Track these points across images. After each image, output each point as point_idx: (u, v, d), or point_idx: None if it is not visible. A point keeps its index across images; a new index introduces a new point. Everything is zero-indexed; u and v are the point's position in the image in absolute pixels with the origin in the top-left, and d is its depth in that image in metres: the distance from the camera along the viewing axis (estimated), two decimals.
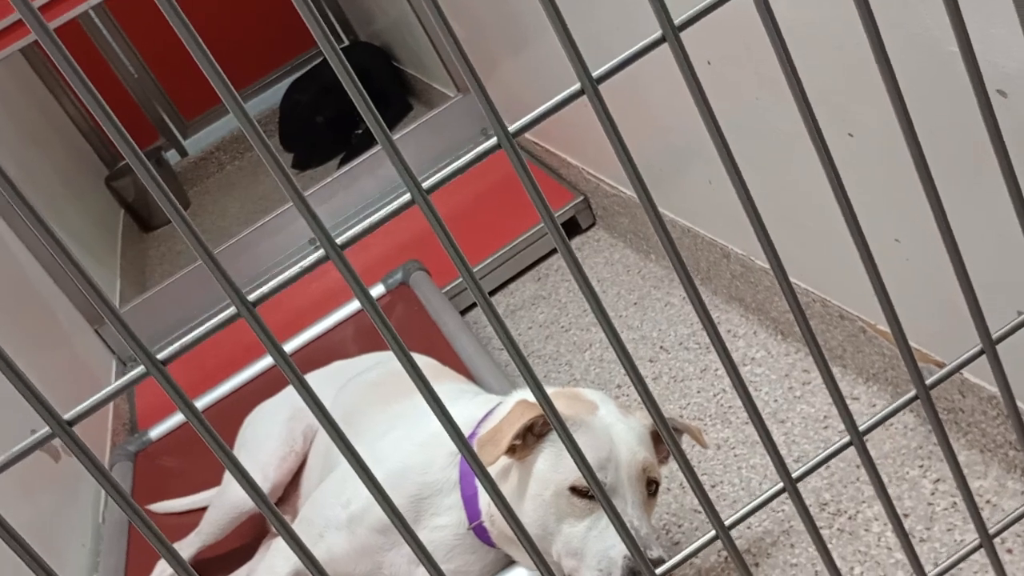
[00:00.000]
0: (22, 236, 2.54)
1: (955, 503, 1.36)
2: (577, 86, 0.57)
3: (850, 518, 1.42)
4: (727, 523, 0.70)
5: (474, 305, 2.43)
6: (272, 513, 0.61)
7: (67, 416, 0.56)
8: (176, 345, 0.56)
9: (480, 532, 1.28)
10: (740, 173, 0.63)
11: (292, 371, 0.57)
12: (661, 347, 1.97)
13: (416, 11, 2.79)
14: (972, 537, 1.32)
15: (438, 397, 0.62)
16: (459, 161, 0.57)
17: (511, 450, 1.17)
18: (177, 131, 4.50)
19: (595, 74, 0.57)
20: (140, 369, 0.56)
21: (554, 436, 1.18)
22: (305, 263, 0.56)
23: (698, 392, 1.81)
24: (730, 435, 1.68)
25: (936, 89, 1.05)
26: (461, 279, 2.37)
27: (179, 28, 0.50)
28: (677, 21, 0.57)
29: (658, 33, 0.57)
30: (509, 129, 0.57)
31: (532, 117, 0.58)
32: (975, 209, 1.12)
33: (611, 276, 2.26)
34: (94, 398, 0.56)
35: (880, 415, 0.71)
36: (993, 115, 0.69)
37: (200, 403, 2.25)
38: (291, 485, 1.70)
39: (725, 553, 1.47)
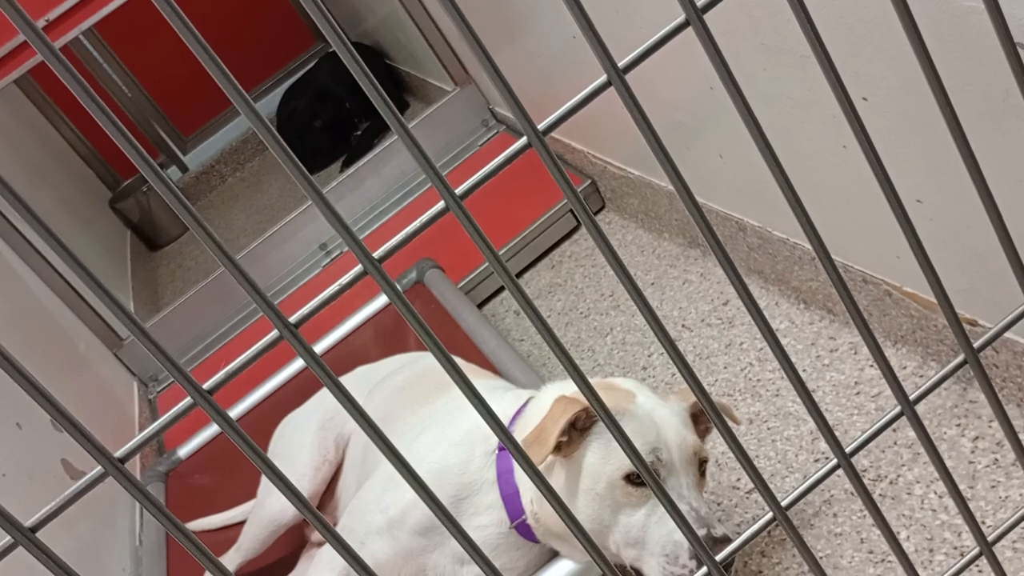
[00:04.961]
0: (37, 269, 2.54)
1: (996, 459, 1.35)
2: (604, 78, 0.56)
3: (891, 483, 1.42)
4: (784, 504, 0.69)
5: (488, 300, 2.43)
6: (316, 517, 0.61)
7: (118, 454, 0.55)
8: (222, 373, 0.55)
9: (523, 529, 1.27)
10: (773, 151, 0.62)
11: (340, 390, 0.56)
12: (683, 325, 1.96)
13: (408, 9, 2.77)
14: (1015, 492, 1.31)
15: (479, 393, 0.61)
16: (490, 164, 0.56)
17: (556, 447, 1.15)
18: (176, 147, 4.50)
19: (621, 64, 0.56)
20: (188, 401, 0.55)
21: (599, 428, 1.17)
22: (344, 280, 0.56)
23: (725, 368, 1.80)
24: (761, 408, 1.67)
25: (951, 45, 1.04)
26: (475, 274, 2.37)
27: (184, 33, 0.49)
28: (700, 3, 0.56)
29: (681, 17, 0.56)
30: (539, 127, 0.56)
31: (560, 113, 0.57)
32: (993, 166, 1.11)
33: (626, 258, 2.25)
34: (143, 434, 0.56)
35: (930, 382, 0.70)
36: (1022, 67, 0.68)
37: (231, 415, 2.25)
38: (326, 495, 1.70)
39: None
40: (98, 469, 0.55)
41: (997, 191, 0.68)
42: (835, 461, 0.69)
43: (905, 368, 1.55)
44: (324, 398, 1.76)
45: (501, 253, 2.35)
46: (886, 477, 1.43)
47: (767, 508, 0.68)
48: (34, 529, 0.54)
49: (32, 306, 2.47)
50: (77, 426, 0.52)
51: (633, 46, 0.56)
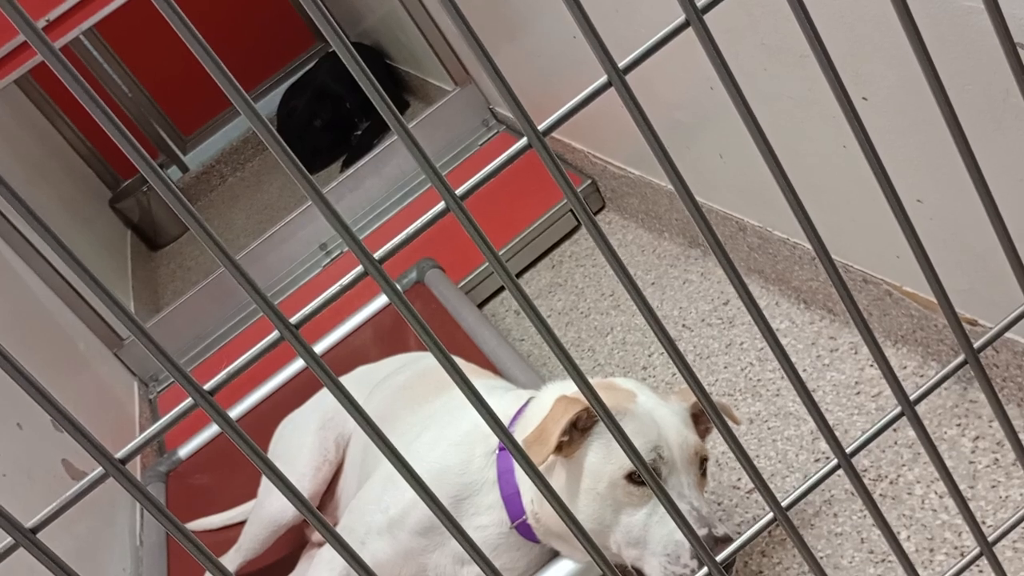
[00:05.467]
0: (37, 269, 2.54)
1: (996, 459, 1.35)
2: (604, 79, 0.56)
3: (891, 483, 1.42)
4: (784, 504, 0.69)
5: (488, 300, 2.43)
6: (316, 518, 0.61)
7: (119, 455, 0.55)
8: (223, 374, 0.55)
9: (523, 529, 1.27)
10: (773, 150, 0.62)
11: (341, 390, 0.56)
12: (683, 325, 1.96)
13: (408, 8, 2.77)
14: (1016, 492, 1.31)
15: (479, 393, 0.60)
16: (490, 165, 0.56)
17: (557, 447, 1.15)
18: (176, 147, 4.50)
19: (621, 65, 0.56)
20: (188, 401, 0.55)
21: (600, 428, 1.17)
22: (345, 280, 0.56)
23: (725, 368, 1.80)
24: (761, 408, 1.67)
25: (951, 45, 1.04)
26: (475, 274, 2.37)
27: (184, 33, 0.49)
28: (700, 4, 0.56)
29: (681, 18, 0.56)
30: (539, 128, 0.56)
31: (561, 114, 0.57)
32: (993, 166, 1.11)
33: (626, 257, 2.25)
34: (143, 435, 0.56)
35: (931, 382, 0.70)
36: (1021, 66, 0.68)
37: (231, 415, 2.25)
38: (326, 495, 1.70)
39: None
40: (99, 470, 0.55)
41: (997, 191, 0.68)
42: (835, 461, 0.69)
43: (905, 368, 1.55)
44: (324, 398, 1.76)
45: (501, 253, 2.35)
46: (886, 477, 1.43)
47: (767, 508, 0.68)
48: (35, 530, 0.54)
49: (32, 306, 2.47)
50: (77, 426, 0.52)
51: (633, 46, 0.56)
